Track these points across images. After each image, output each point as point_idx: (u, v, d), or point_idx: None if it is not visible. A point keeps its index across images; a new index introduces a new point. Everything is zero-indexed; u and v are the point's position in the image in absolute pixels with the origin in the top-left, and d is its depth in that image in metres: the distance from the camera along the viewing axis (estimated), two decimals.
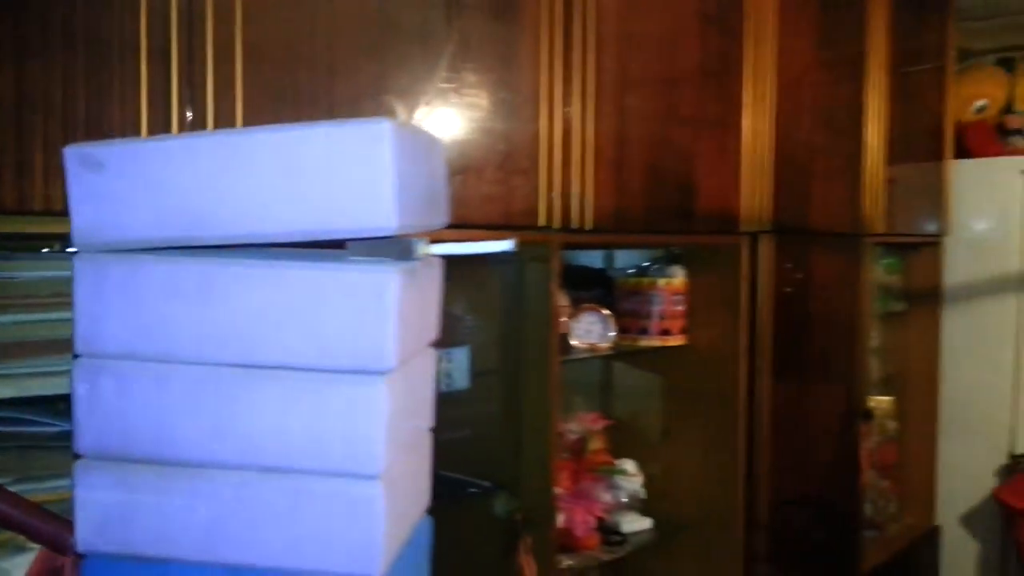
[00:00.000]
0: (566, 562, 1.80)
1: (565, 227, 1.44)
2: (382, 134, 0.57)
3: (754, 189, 1.87)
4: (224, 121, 1.01)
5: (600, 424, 1.91)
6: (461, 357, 1.61)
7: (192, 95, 0.98)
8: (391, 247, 0.64)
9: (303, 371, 0.63)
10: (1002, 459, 2.82)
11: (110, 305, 0.63)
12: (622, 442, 2.12)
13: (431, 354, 0.77)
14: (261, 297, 0.62)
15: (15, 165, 0.89)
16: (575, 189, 1.44)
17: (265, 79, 1.05)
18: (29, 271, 0.99)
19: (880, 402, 2.94)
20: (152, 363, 0.64)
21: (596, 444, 1.88)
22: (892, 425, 2.93)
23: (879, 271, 2.84)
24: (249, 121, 1.03)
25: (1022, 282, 2.78)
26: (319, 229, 0.63)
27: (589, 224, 1.48)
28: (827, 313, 2.20)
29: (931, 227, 2.79)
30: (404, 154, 0.60)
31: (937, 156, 2.74)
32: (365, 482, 0.62)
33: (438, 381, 1.20)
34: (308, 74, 1.09)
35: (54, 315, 0.97)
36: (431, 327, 0.75)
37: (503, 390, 1.60)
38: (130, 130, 0.93)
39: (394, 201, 0.58)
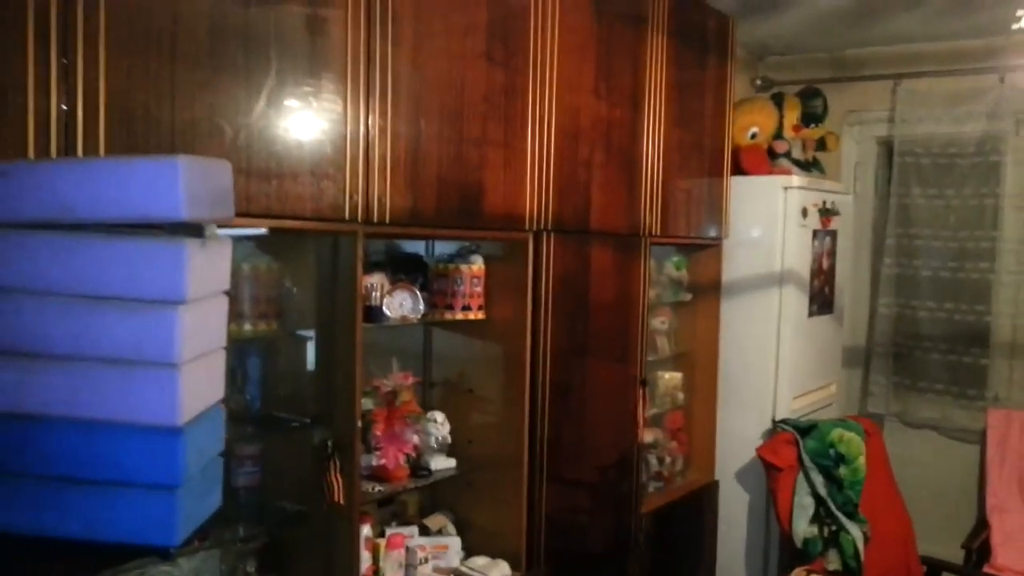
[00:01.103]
0: (377, 488, 2.25)
1: (367, 221, 1.89)
2: (176, 163, 0.99)
3: (537, 196, 2.36)
4: (91, 136, 1.39)
5: (410, 380, 2.35)
6: (291, 321, 2.04)
7: (68, 121, 1.36)
8: (189, 228, 1.06)
9: (131, 300, 1.03)
10: (767, 424, 3.42)
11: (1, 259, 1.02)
12: (436, 396, 2.59)
13: (223, 299, 1.19)
14: (105, 253, 1.02)
15: None
16: (375, 191, 1.89)
17: (122, 106, 1.44)
18: None
19: (672, 377, 3.51)
20: (24, 293, 1.03)
21: (406, 396, 2.32)
22: (681, 396, 3.50)
23: (670, 267, 3.41)
24: (111, 128, 1.41)
25: (782, 278, 3.38)
26: (143, 216, 1.03)
27: (387, 219, 1.93)
28: (605, 298, 2.72)
29: (712, 232, 3.35)
30: (193, 173, 1.02)
31: (718, 173, 3.31)
32: (166, 368, 1.03)
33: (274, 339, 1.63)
34: (156, 102, 1.49)
35: None
36: (222, 280, 1.16)
37: (323, 347, 2.02)
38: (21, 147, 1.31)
39: (183, 201, 0.99)
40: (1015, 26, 1.92)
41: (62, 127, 1.33)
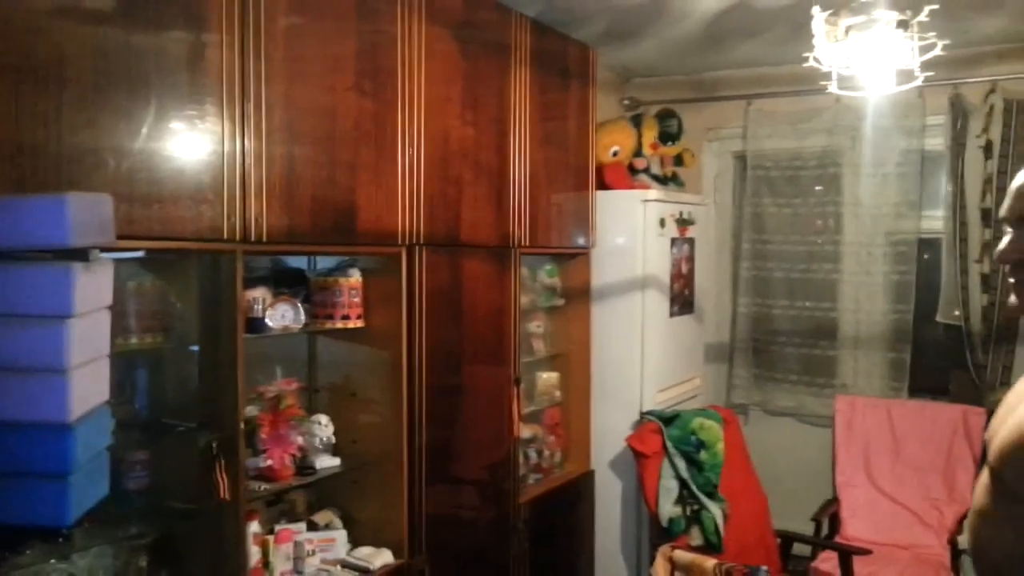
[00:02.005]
0: (264, 487, 2.43)
1: (244, 239, 2.08)
2: (65, 199, 1.18)
3: (408, 213, 2.58)
4: None
5: (293, 386, 2.54)
6: (177, 335, 2.20)
7: None
8: (75, 253, 1.24)
9: (27, 316, 1.21)
10: (635, 416, 3.73)
11: None
12: (320, 400, 2.78)
13: (105, 312, 1.37)
14: (4, 277, 1.19)
15: None
16: (252, 212, 2.08)
17: (10, 140, 1.59)
18: None
19: (549, 376, 3.78)
20: None
21: (289, 401, 2.51)
22: (558, 394, 3.77)
23: (543, 275, 3.69)
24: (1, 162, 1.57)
25: (644, 282, 3.70)
26: (37, 244, 1.21)
27: (264, 238, 2.12)
28: (478, 305, 2.97)
29: (581, 241, 3.65)
30: (79, 207, 1.20)
31: (584, 188, 3.61)
32: (57, 374, 1.20)
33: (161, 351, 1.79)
34: (42, 136, 1.65)
35: None
36: (105, 297, 1.34)
37: (207, 357, 2.19)
38: None
39: (71, 231, 1.17)
40: (804, 54, 2.25)
41: None
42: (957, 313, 4.00)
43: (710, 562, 3.16)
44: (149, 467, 2.16)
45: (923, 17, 2.08)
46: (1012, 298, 1.39)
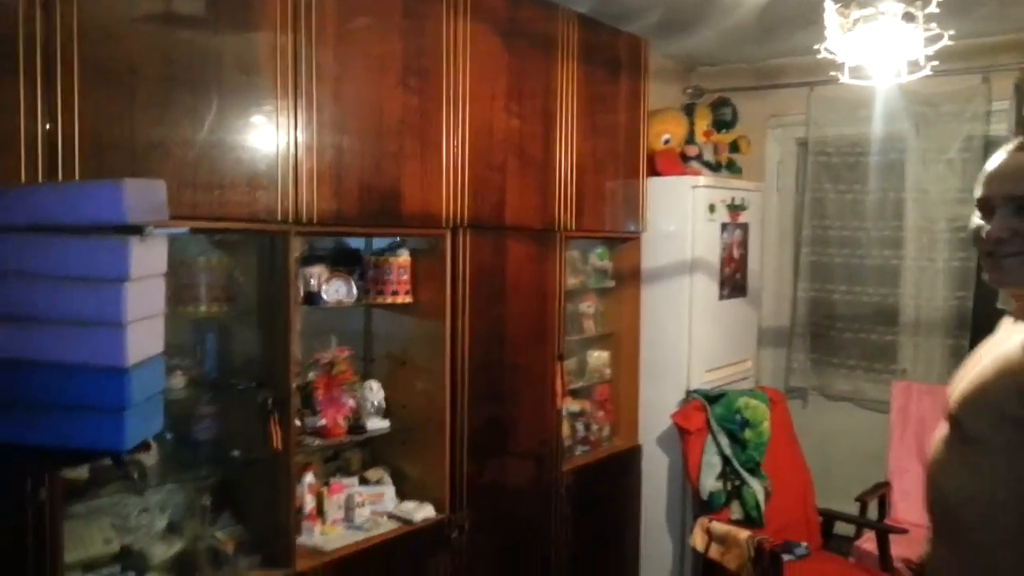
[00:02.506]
0: (317, 442, 2.72)
1: (297, 221, 2.35)
2: (122, 184, 1.45)
3: (453, 198, 2.81)
4: (69, 159, 1.86)
5: (345, 353, 2.82)
6: (240, 305, 2.51)
7: (51, 147, 1.83)
8: (132, 229, 1.51)
9: (92, 279, 1.49)
10: (681, 394, 3.87)
11: None
12: (374, 367, 3.05)
13: (160, 279, 1.64)
14: (75, 247, 1.47)
15: None
16: (304, 198, 2.35)
17: (93, 137, 1.90)
18: None
19: (599, 355, 3.96)
20: (19, 276, 1.48)
21: (342, 367, 2.78)
22: (608, 371, 3.95)
23: (594, 258, 3.87)
24: (85, 153, 1.88)
25: (692, 266, 3.83)
26: (99, 222, 1.49)
27: (315, 220, 2.39)
28: (523, 285, 3.18)
29: (632, 226, 3.80)
30: (134, 191, 1.47)
31: (634, 175, 3.76)
32: (116, 327, 1.48)
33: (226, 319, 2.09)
34: (119, 133, 1.96)
35: None
36: (159, 265, 1.61)
37: (266, 325, 2.48)
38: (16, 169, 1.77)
39: (126, 211, 1.44)
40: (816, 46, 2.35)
41: (46, 152, 1.82)
42: None
43: (744, 534, 3.31)
44: (215, 420, 2.48)
45: (932, 8, 2.16)
46: (987, 274, 1.51)
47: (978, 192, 1.46)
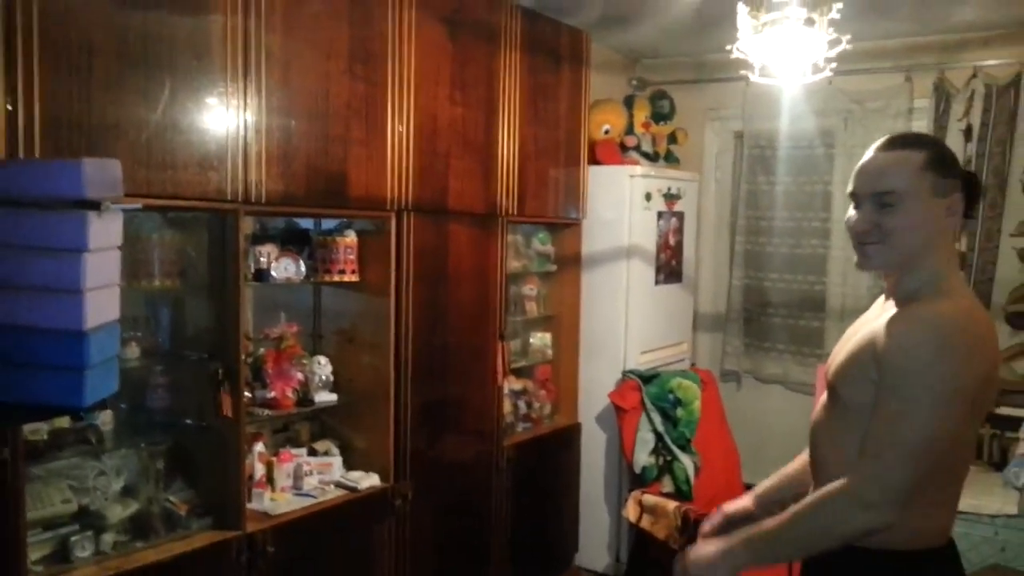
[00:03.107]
0: (267, 412, 2.85)
1: (246, 201, 2.47)
2: (81, 163, 1.58)
3: (397, 182, 2.96)
4: (30, 138, 1.96)
5: (294, 329, 2.95)
6: (191, 280, 2.62)
7: (12, 126, 1.94)
8: (90, 204, 1.64)
9: (55, 249, 1.61)
10: (618, 374, 4.07)
11: None
12: (323, 343, 3.19)
13: (116, 251, 1.77)
14: (39, 219, 1.59)
15: None
16: (252, 178, 2.47)
17: (52, 116, 2.01)
18: None
19: (542, 336, 4.14)
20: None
21: (290, 342, 2.92)
22: (549, 352, 4.13)
23: (537, 243, 4.04)
24: (44, 132, 1.98)
25: (629, 252, 4.02)
26: (61, 196, 1.61)
27: (263, 200, 2.52)
28: (465, 267, 3.33)
29: (572, 213, 3.98)
30: (93, 169, 1.59)
31: (575, 164, 3.94)
32: (75, 294, 1.61)
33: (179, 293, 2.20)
34: (76, 114, 2.07)
35: None
36: (115, 238, 1.74)
37: (216, 300, 2.61)
38: None
39: (85, 186, 1.57)
40: (728, 47, 2.54)
41: (8, 131, 1.93)
42: None
43: (672, 504, 3.52)
44: (168, 389, 2.60)
45: (834, 15, 2.36)
46: (856, 259, 1.71)
47: (849, 187, 1.66)
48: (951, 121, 4.15)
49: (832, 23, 2.35)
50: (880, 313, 1.65)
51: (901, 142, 1.62)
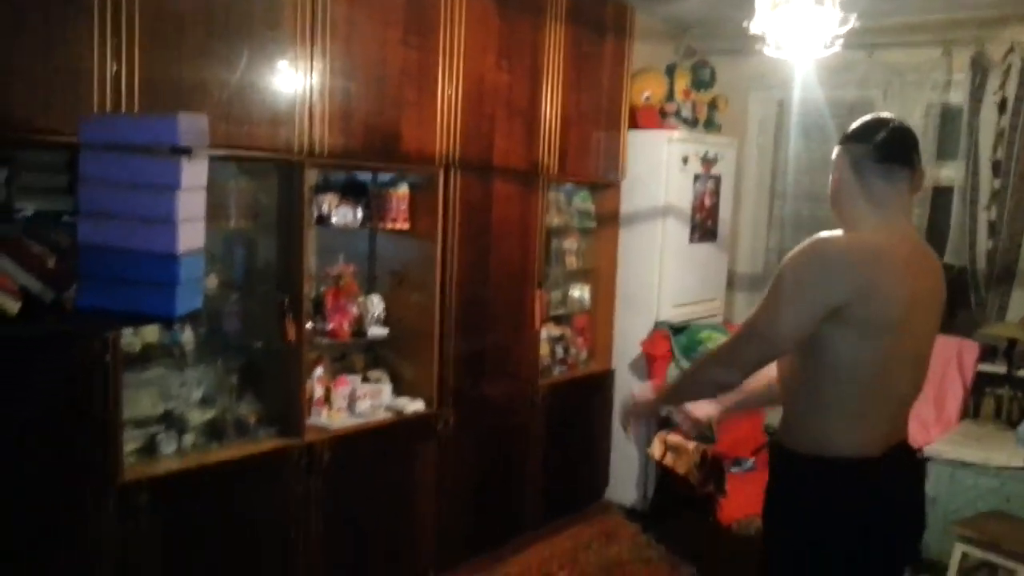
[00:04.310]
0: (325, 341, 3.24)
1: (310, 154, 2.84)
2: (176, 116, 1.95)
3: (446, 141, 3.29)
4: (131, 94, 2.35)
5: (351, 269, 3.33)
6: (262, 222, 3.02)
7: (115, 84, 2.33)
8: (182, 150, 2.01)
9: (155, 186, 1.99)
10: (651, 325, 4.35)
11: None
12: (377, 284, 3.57)
13: (202, 190, 2.14)
14: (143, 162, 1.97)
15: None
16: (316, 134, 2.84)
17: (148, 76, 2.39)
18: None
19: (580, 288, 4.45)
20: (104, 184, 1.99)
21: (347, 280, 3.30)
22: (587, 302, 4.44)
23: (578, 201, 4.34)
24: (143, 90, 2.37)
25: (665, 211, 4.29)
26: (160, 144, 1.98)
27: (325, 153, 2.88)
28: (507, 219, 3.66)
29: (612, 174, 4.26)
30: (185, 122, 1.96)
31: (616, 128, 4.21)
32: (170, 224, 1.98)
33: (252, 234, 2.60)
34: (169, 75, 2.45)
35: None
36: (202, 179, 2.11)
37: (283, 240, 2.99)
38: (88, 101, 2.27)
39: (180, 136, 1.94)
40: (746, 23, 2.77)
41: (113, 88, 2.31)
42: (964, 255, 4.38)
43: (691, 444, 3.83)
44: (241, 315, 3.01)
45: None
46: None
47: None
48: (987, 94, 4.27)
49: (842, 3, 2.57)
50: None
51: None
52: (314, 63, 2.81)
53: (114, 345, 2.42)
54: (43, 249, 2.13)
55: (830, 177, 1.94)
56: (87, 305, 2.04)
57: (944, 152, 4.49)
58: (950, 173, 4.46)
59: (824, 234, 1.83)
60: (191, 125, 2.05)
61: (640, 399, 2.29)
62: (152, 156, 1.99)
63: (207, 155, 2.13)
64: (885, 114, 1.98)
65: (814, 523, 1.85)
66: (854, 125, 1.94)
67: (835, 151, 1.94)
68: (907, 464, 1.98)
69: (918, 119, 4.52)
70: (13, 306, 1.88)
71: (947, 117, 4.47)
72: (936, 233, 4.51)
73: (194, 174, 2.07)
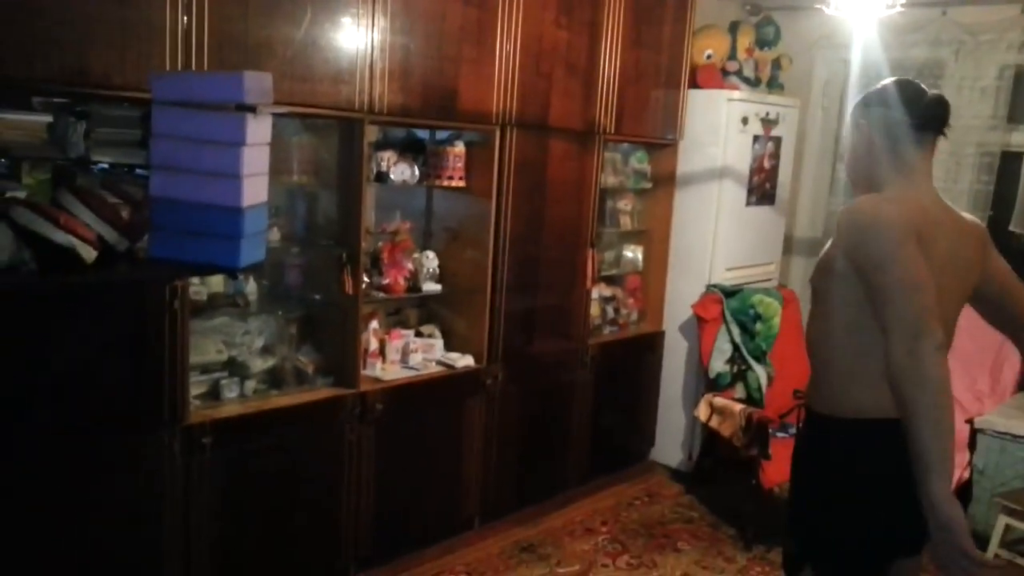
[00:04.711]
0: (381, 296, 3.33)
1: (370, 111, 2.89)
2: (243, 75, 2.00)
3: (503, 99, 3.30)
4: (200, 51, 2.42)
5: (407, 225, 3.40)
6: (324, 178, 3.09)
7: (186, 42, 2.40)
8: (248, 107, 2.07)
9: (222, 143, 2.06)
10: (703, 287, 4.35)
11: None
12: (432, 240, 3.63)
13: (266, 147, 2.21)
14: (211, 118, 2.04)
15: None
16: (376, 92, 2.88)
17: (218, 38, 2.46)
18: None
19: (633, 248, 4.46)
20: (173, 139, 2.07)
21: (403, 236, 3.36)
22: (640, 263, 4.45)
23: (634, 161, 4.32)
24: (212, 48, 2.43)
25: (722, 173, 4.25)
26: (227, 100, 2.05)
27: (385, 111, 2.92)
28: (562, 178, 3.67)
29: (670, 134, 4.23)
30: (251, 80, 2.01)
31: (675, 87, 4.17)
32: (235, 178, 2.06)
33: (313, 189, 2.67)
34: (238, 30, 2.51)
35: None
36: (266, 136, 2.17)
37: (343, 196, 3.06)
38: (161, 58, 2.34)
39: (245, 94, 2.00)
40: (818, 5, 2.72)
41: (185, 44, 2.38)
42: None
43: (738, 407, 3.85)
44: (301, 268, 3.11)
45: None
46: None
47: None
48: None
49: None
50: None
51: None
52: (375, 20, 2.84)
53: (183, 293, 2.53)
54: (118, 201, 2.23)
55: (851, 141, 1.95)
56: (158, 255, 2.13)
57: (1016, 115, 4.35)
58: (1021, 138, 4.32)
59: (863, 197, 1.86)
60: (256, 83, 2.10)
61: (966, 547, 1.58)
62: (219, 113, 2.06)
63: (271, 112, 2.19)
64: (911, 79, 1.94)
65: (844, 481, 1.87)
66: (884, 89, 1.92)
67: (858, 113, 1.93)
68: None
69: (991, 80, 4.38)
70: (91, 254, 1.97)
71: (1021, 79, 4.32)
72: (1003, 199, 4.39)
73: (259, 131, 2.13)
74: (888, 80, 1.91)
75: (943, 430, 1.60)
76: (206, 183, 2.09)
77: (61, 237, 1.92)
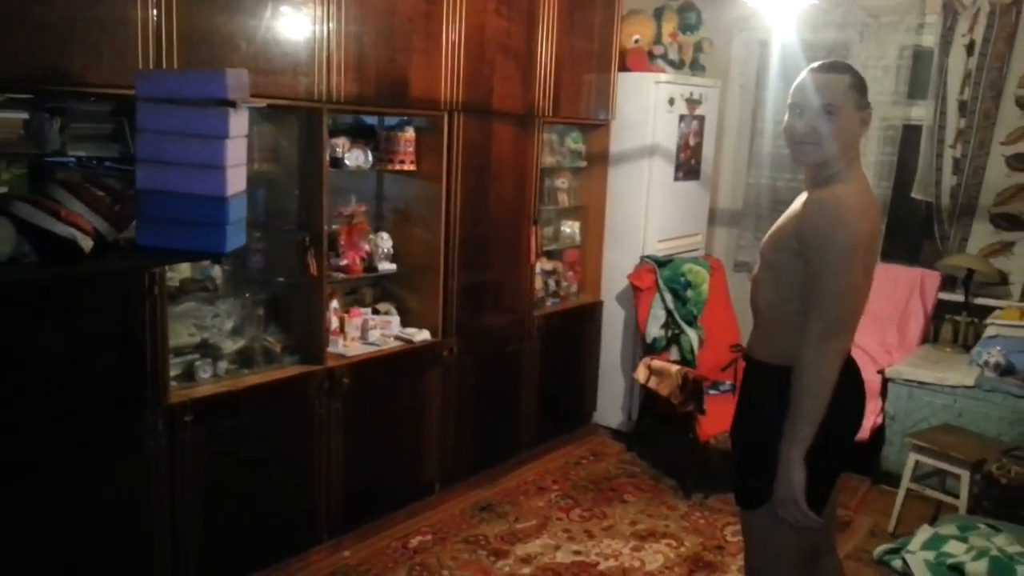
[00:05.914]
0: (340, 276, 3.49)
1: (328, 101, 3.04)
2: (224, 72, 2.15)
3: (450, 86, 3.49)
4: (170, 49, 2.53)
5: (362, 208, 3.56)
6: (284, 165, 3.22)
7: (156, 41, 2.51)
8: (229, 103, 2.22)
9: (205, 136, 2.20)
10: (637, 259, 4.63)
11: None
12: (385, 222, 3.81)
13: (244, 139, 2.35)
14: (194, 114, 2.17)
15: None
16: (334, 82, 3.03)
17: (185, 34, 2.57)
18: None
19: (571, 224, 4.71)
20: (159, 134, 2.20)
21: (359, 219, 3.53)
22: (577, 238, 4.70)
23: (570, 141, 4.56)
24: (180, 45, 2.55)
25: (651, 151, 4.53)
26: (209, 97, 2.18)
27: (342, 100, 3.08)
28: (505, 160, 3.89)
29: (602, 115, 4.48)
30: (231, 76, 2.16)
31: (607, 70, 4.41)
32: (219, 169, 2.20)
33: (274, 176, 2.80)
34: (201, 30, 2.62)
35: None
36: (244, 128, 2.32)
37: (303, 182, 3.21)
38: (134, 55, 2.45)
39: (227, 90, 2.14)
40: None
41: (154, 41, 2.49)
42: (930, 190, 4.68)
43: (674, 368, 4.15)
44: (265, 253, 3.25)
45: None
46: (793, 155, 2.20)
47: (790, 99, 2.13)
48: (956, 37, 4.51)
49: None
50: (799, 205, 2.16)
51: (831, 67, 2.07)
52: (330, 13, 2.99)
53: (161, 280, 2.66)
54: (101, 193, 2.34)
55: (826, 120, 1.99)
56: (147, 244, 2.26)
57: (914, 92, 4.75)
58: (920, 112, 4.72)
59: (833, 192, 1.99)
60: (236, 79, 2.25)
61: (799, 499, 2.03)
62: (202, 108, 2.20)
63: (248, 106, 2.34)
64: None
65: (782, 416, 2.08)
66: (850, 69, 2.03)
67: (854, 98, 2.00)
68: (855, 374, 2.25)
69: (892, 60, 4.77)
70: (88, 244, 2.10)
71: (919, 59, 4.72)
72: (904, 169, 4.80)
73: (239, 124, 2.28)
74: (832, 59, 2.09)
75: (814, 414, 1.98)
76: (191, 174, 2.23)
77: (63, 229, 2.04)
